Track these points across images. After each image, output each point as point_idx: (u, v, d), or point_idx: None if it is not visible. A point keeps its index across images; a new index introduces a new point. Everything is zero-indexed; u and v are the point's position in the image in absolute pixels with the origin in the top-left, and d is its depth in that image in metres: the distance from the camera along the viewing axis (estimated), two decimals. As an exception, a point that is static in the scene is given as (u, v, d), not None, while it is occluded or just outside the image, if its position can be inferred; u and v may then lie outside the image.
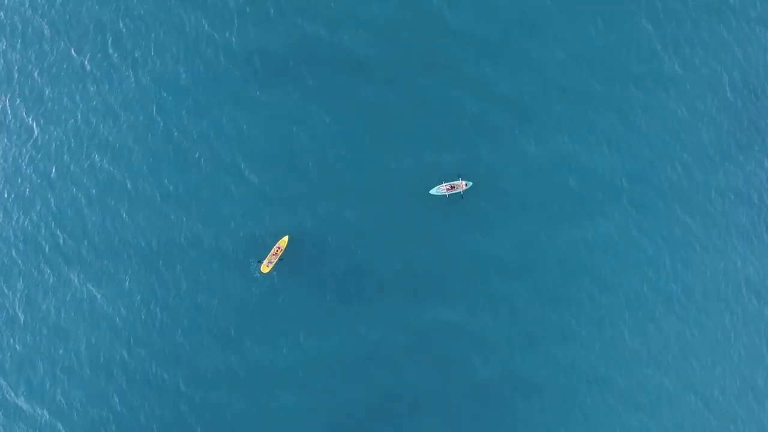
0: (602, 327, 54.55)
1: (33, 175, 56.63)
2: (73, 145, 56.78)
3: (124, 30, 58.09)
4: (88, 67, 57.65)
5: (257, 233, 55.08)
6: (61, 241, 55.72)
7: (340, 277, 54.67)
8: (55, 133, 57.01)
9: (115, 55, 57.72)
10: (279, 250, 54.16)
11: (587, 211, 55.77)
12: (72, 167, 56.57)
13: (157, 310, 54.74)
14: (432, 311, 54.56)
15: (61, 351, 54.53)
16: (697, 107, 56.78)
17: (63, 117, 57.15)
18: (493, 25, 57.63)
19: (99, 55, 57.83)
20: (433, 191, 55.11)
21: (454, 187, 54.99)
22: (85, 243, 55.64)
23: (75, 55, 57.92)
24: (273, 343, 54.34)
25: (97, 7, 58.43)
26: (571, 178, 56.02)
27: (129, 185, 56.10)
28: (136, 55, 57.64)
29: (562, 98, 56.71)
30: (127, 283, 55.03)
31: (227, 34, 57.67)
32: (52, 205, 56.23)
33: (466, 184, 55.00)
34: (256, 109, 56.74)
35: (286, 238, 54.34)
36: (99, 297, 54.93)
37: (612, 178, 56.06)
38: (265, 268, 54.24)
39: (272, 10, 58.08)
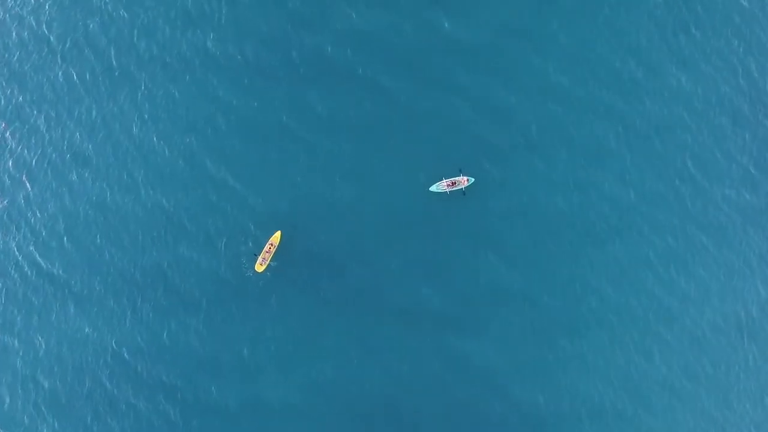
0: (606, 347, 51.08)
1: (10, 187, 54.39)
2: (53, 158, 54.63)
3: (104, 36, 56.53)
4: (69, 78, 55.92)
5: (248, 232, 52.50)
6: (40, 259, 53.12)
7: (335, 282, 51.76)
8: (33, 145, 54.97)
9: (97, 65, 55.99)
10: (272, 247, 51.66)
11: (593, 222, 52.84)
12: (51, 181, 54.25)
13: (138, 319, 51.83)
14: (429, 325, 51.21)
15: (39, 376, 51.53)
16: (709, 118, 54.21)
17: (40, 128, 55.18)
18: (496, 33, 55.69)
19: (80, 67, 56.09)
20: (433, 188, 52.72)
21: (455, 183, 52.59)
22: (64, 258, 53.00)
23: (54, 64, 56.19)
24: (264, 360, 51.04)
25: (78, 14, 56.97)
26: (576, 189, 53.36)
27: (108, 194, 53.74)
28: (117, 63, 55.91)
29: (566, 105, 54.40)
30: (106, 298, 52.27)
31: (213, 41, 56.09)
32: (31, 222, 53.81)
33: (467, 180, 52.59)
34: (247, 98, 54.72)
35: (278, 234, 51.87)
36: (75, 309, 52.08)
37: (620, 192, 53.15)
38: (260, 267, 51.61)
39: (266, 19, 56.51)
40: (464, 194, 52.58)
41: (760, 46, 55.22)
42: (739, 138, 53.79)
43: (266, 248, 51.58)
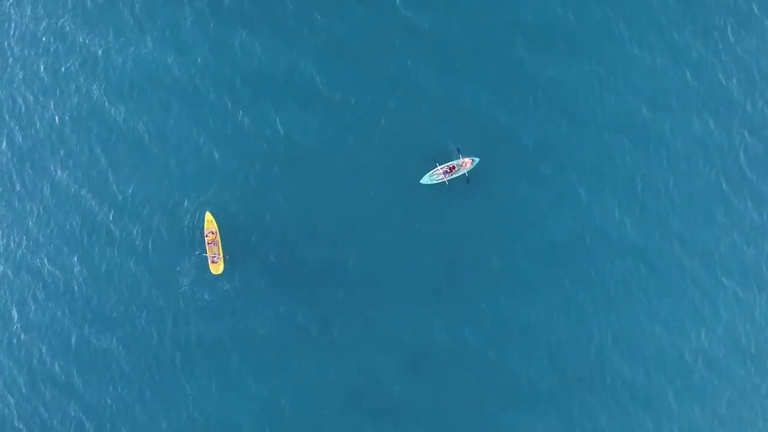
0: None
1: None
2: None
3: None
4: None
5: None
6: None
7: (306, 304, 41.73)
8: None
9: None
10: (214, 235, 41.44)
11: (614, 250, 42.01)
12: None
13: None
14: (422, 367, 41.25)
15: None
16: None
17: None
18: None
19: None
20: (425, 180, 41.74)
21: (454, 168, 41.53)
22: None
23: None
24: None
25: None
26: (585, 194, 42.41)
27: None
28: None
29: (573, 78, 42.77)
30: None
31: None
32: None
33: (472, 161, 41.49)
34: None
35: (208, 216, 41.65)
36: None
37: (647, 197, 41.87)
38: (216, 267, 41.42)
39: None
40: (468, 181, 41.55)
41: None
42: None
43: (208, 239, 41.30)
